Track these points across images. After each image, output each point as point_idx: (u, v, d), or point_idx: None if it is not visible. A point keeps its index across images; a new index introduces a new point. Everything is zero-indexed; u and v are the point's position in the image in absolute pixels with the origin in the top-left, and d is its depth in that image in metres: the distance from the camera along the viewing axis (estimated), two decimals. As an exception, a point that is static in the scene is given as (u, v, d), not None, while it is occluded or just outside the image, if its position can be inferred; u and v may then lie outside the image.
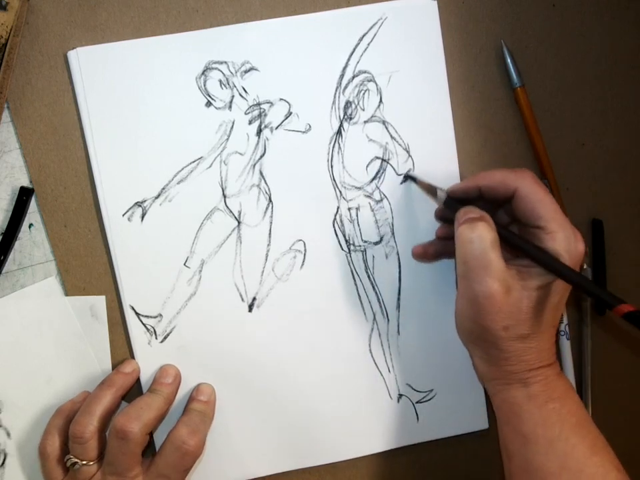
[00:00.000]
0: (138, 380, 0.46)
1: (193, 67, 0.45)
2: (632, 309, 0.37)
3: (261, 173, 0.46)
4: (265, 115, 0.46)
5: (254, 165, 0.46)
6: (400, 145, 0.48)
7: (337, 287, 0.48)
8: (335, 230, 0.48)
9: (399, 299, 0.49)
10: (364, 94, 0.47)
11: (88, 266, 0.46)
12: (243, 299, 0.47)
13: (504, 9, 0.48)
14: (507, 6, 0.48)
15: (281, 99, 0.46)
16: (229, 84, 0.46)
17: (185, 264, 0.46)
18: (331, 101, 0.47)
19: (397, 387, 0.49)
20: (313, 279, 0.48)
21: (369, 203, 0.48)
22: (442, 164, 0.48)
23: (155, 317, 0.46)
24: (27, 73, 0.44)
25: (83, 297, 0.46)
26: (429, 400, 0.50)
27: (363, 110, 0.47)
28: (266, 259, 0.47)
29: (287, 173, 0.47)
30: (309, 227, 0.47)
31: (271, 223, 0.47)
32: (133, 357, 0.47)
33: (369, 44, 0.46)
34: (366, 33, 0.46)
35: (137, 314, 0.46)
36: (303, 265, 0.47)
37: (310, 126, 0.47)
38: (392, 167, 0.48)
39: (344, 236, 0.48)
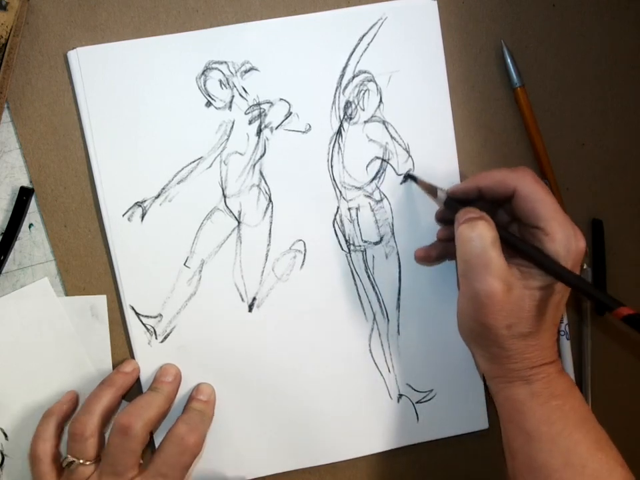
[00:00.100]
0: (138, 380, 0.46)
1: (192, 66, 0.45)
2: (631, 312, 0.37)
3: (261, 173, 0.46)
4: (265, 115, 0.46)
5: (254, 165, 0.46)
6: (400, 144, 0.48)
7: (336, 287, 0.48)
8: (334, 230, 0.48)
9: (399, 299, 0.49)
10: (364, 94, 0.47)
11: (88, 266, 0.46)
12: (243, 299, 0.47)
13: (504, 9, 0.48)
14: (507, 6, 0.48)
15: (280, 99, 0.46)
16: (228, 84, 0.46)
17: (184, 264, 0.46)
18: (331, 101, 0.47)
19: (397, 387, 0.49)
20: (312, 279, 0.48)
21: (369, 203, 0.48)
22: (442, 164, 0.48)
23: (155, 317, 0.46)
24: (26, 73, 0.44)
25: (83, 296, 0.46)
26: (429, 400, 0.50)
27: (363, 110, 0.47)
28: (266, 259, 0.47)
29: (287, 173, 0.47)
30: (309, 227, 0.47)
31: (271, 223, 0.47)
32: (133, 356, 0.47)
33: (368, 44, 0.46)
34: (366, 33, 0.46)
35: (137, 314, 0.46)
36: (302, 264, 0.47)
37: (310, 126, 0.47)
38: (392, 167, 0.48)
39: (344, 236, 0.48)
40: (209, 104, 0.46)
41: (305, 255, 0.47)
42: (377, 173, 0.48)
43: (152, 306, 0.46)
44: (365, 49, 0.46)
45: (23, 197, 0.45)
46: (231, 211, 0.46)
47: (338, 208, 0.47)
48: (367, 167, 0.47)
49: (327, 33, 0.46)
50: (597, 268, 0.51)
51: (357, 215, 0.48)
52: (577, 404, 0.41)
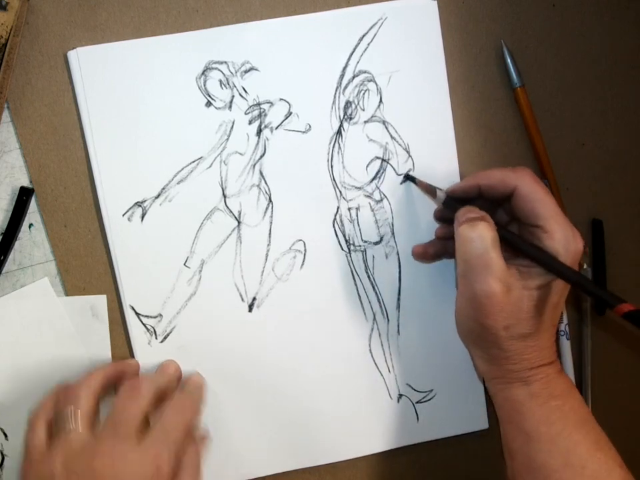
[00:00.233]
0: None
1: (192, 66, 0.45)
2: (632, 308, 0.37)
3: (261, 173, 0.46)
4: (265, 115, 0.46)
5: (254, 165, 0.46)
6: (400, 144, 0.48)
7: (336, 287, 0.48)
8: (334, 230, 0.48)
9: (399, 299, 0.49)
10: (364, 94, 0.47)
11: (88, 266, 0.46)
12: (243, 299, 0.47)
13: (504, 9, 0.48)
14: (507, 6, 0.48)
15: (281, 99, 0.46)
16: (228, 84, 0.46)
17: (184, 264, 0.46)
18: (331, 101, 0.47)
19: (397, 387, 0.49)
20: (313, 279, 0.48)
21: (369, 203, 0.48)
22: (442, 164, 0.48)
23: (155, 317, 0.46)
24: (27, 73, 0.44)
25: (83, 296, 0.46)
26: (429, 400, 0.50)
27: (363, 110, 0.47)
28: (266, 259, 0.47)
29: (287, 173, 0.47)
30: (309, 227, 0.47)
31: (271, 223, 0.47)
32: (133, 356, 0.47)
33: (368, 44, 0.46)
34: (366, 33, 0.46)
35: (137, 314, 0.46)
36: (302, 264, 0.47)
37: (310, 126, 0.47)
38: (392, 167, 0.48)
39: (344, 236, 0.48)
40: (208, 104, 0.46)
41: (305, 255, 0.47)
42: (376, 173, 0.48)
43: (152, 306, 0.46)
44: (365, 49, 0.46)
45: (23, 197, 0.45)
46: (230, 211, 0.46)
47: (338, 208, 0.47)
48: (367, 167, 0.47)
49: (327, 33, 0.46)
50: (597, 268, 0.51)
51: (357, 215, 0.48)
52: (576, 404, 0.41)
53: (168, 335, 0.47)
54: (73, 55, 0.44)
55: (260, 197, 0.47)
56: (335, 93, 0.47)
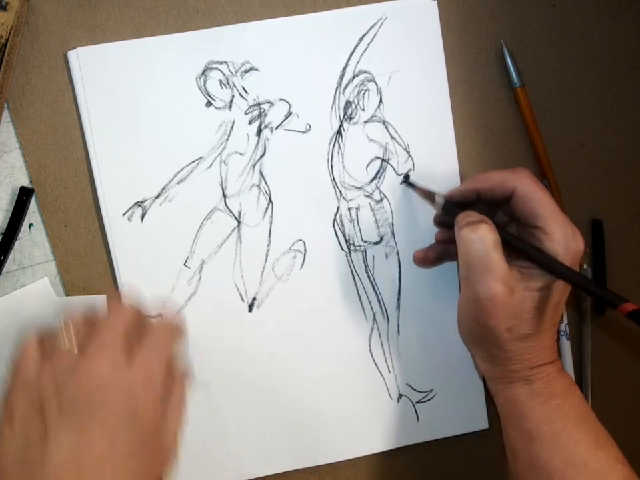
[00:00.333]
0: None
1: (192, 66, 0.45)
2: (635, 307, 0.37)
3: (261, 173, 0.47)
4: (265, 115, 0.46)
5: (254, 165, 0.46)
6: (400, 144, 0.48)
7: (336, 287, 0.48)
8: (334, 230, 0.48)
9: (399, 299, 0.49)
10: (364, 94, 0.47)
11: (88, 266, 0.46)
12: (243, 299, 0.47)
13: (504, 9, 0.48)
14: (507, 6, 0.48)
15: (281, 99, 0.46)
16: (228, 84, 0.46)
17: (184, 264, 0.46)
18: (331, 101, 0.47)
19: (397, 387, 0.49)
20: (313, 279, 0.48)
21: (369, 203, 0.48)
22: (442, 164, 0.48)
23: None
24: (27, 73, 0.44)
25: (83, 296, 0.46)
26: (429, 400, 0.50)
27: (363, 110, 0.47)
28: (266, 259, 0.47)
29: (287, 173, 0.47)
30: (309, 227, 0.47)
31: (271, 223, 0.47)
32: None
33: (368, 44, 0.46)
34: (366, 33, 0.46)
35: (137, 314, 0.46)
36: (302, 264, 0.47)
37: (310, 126, 0.47)
38: (392, 167, 0.48)
39: (344, 236, 0.48)
40: (209, 104, 0.46)
41: (305, 254, 0.47)
42: (376, 173, 0.48)
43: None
44: (365, 49, 0.46)
45: (23, 197, 0.45)
46: (231, 211, 0.46)
47: (338, 208, 0.47)
48: (367, 167, 0.47)
49: (327, 33, 0.46)
50: (597, 268, 0.51)
51: (357, 215, 0.48)
52: (576, 403, 0.41)
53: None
54: (73, 54, 0.44)
55: (260, 196, 0.47)
56: (335, 93, 0.47)
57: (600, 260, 0.51)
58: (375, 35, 0.46)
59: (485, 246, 0.40)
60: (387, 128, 0.47)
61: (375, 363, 0.49)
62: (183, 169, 0.46)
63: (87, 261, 0.46)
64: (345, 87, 0.47)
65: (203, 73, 0.45)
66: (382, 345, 0.49)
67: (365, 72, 0.47)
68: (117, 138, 0.45)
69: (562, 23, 0.49)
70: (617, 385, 0.53)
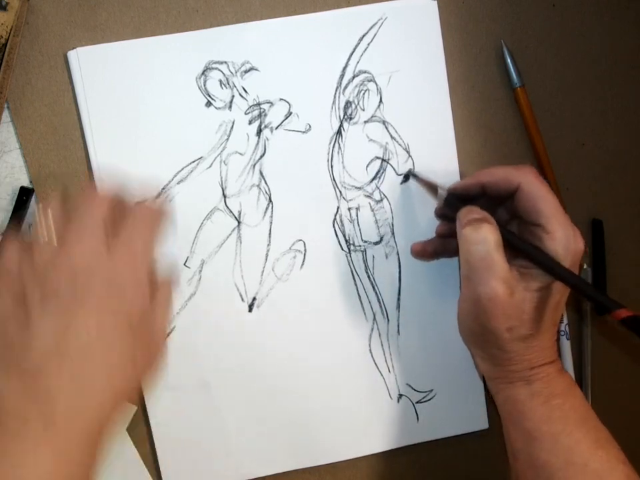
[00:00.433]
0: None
1: (192, 66, 0.45)
2: (630, 313, 0.37)
3: (261, 173, 0.46)
4: (265, 115, 0.46)
5: (254, 165, 0.46)
6: (400, 144, 0.48)
7: (336, 287, 0.48)
8: (334, 230, 0.48)
9: (399, 299, 0.49)
10: (364, 94, 0.47)
11: (88, 266, 0.46)
12: (243, 299, 0.47)
13: (504, 9, 0.48)
14: (507, 6, 0.48)
15: (281, 99, 0.46)
16: (228, 84, 0.46)
17: (184, 264, 0.46)
18: (331, 101, 0.47)
19: (397, 387, 0.49)
20: (313, 279, 0.48)
21: (369, 203, 0.48)
22: (442, 164, 0.48)
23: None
24: (27, 73, 0.44)
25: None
26: (429, 400, 0.50)
27: (363, 110, 0.47)
28: (266, 259, 0.47)
29: (287, 173, 0.47)
30: (309, 227, 0.47)
31: (271, 223, 0.47)
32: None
33: (368, 44, 0.46)
34: (366, 33, 0.46)
35: (137, 314, 0.46)
36: (302, 264, 0.47)
37: (310, 126, 0.47)
38: (392, 167, 0.48)
39: (344, 236, 0.48)
40: (209, 104, 0.46)
41: (305, 254, 0.47)
42: (376, 173, 0.48)
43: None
44: (365, 49, 0.46)
45: (23, 197, 0.45)
46: (231, 211, 0.46)
47: (338, 208, 0.47)
48: (367, 167, 0.47)
49: (327, 33, 0.46)
50: (597, 268, 0.51)
51: (357, 215, 0.48)
52: (577, 402, 0.41)
53: (168, 335, 0.47)
54: (73, 54, 0.44)
55: (260, 196, 0.47)
56: (335, 93, 0.47)
57: (600, 260, 0.51)
58: (374, 35, 0.46)
59: (487, 247, 0.40)
60: (386, 128, 0.47)
61: (375, 363, 0.49)
62: (182, 169, 0.46)
63: (86, 260, 0.46)
64: (345, 87, 0.47)
65: (202, 73, 0.45)
66: (382, 345, 0.49)
67: (364, 72, 0.47)
68: (117, 138, 0.45)
69: (562, 23, 0.49)
70: (617, 385, 0.53)
